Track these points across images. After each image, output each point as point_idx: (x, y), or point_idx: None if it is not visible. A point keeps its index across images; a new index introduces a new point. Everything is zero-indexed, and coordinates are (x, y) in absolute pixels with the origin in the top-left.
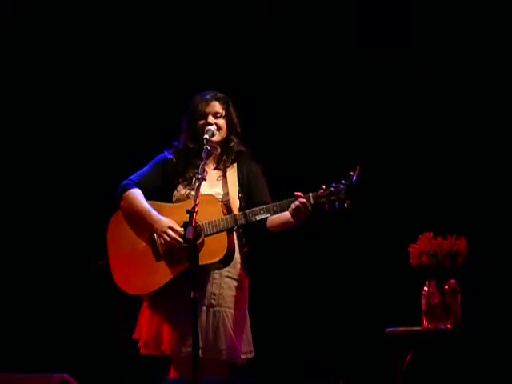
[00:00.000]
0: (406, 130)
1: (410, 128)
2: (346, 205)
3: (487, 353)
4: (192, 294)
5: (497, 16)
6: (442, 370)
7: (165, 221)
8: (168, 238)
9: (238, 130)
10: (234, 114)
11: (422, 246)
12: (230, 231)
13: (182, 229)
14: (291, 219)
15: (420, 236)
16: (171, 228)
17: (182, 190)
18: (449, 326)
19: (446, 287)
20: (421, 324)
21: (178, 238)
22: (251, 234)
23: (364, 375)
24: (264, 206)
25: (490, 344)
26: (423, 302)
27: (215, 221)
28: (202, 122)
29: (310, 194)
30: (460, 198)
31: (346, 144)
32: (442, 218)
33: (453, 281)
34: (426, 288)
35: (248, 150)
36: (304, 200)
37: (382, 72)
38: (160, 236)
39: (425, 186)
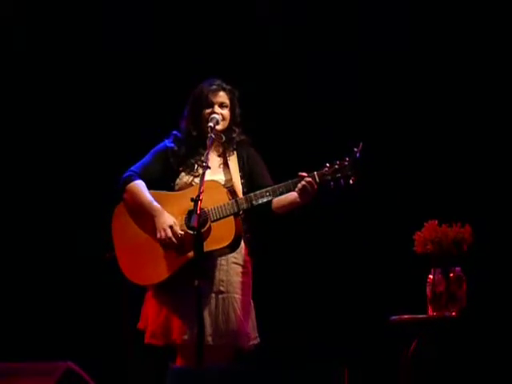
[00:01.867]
0: (411, 115)
1: (415, 113)
2: (351, 181)
3: (492, 340)
4: (196, 283)
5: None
6: (447, 357)
7: (166, 216)
8: (163, 236)
9: (240, 121)
10: (237, 106)
11: (427, 234)
12: (236, 216)
13: (182, 232)
14: (298, 199)
15: (425, 223)
16: (170, 227)
17: (184, 178)
18: (454, 313)
19: (451, 275)
20: (426, 312)
21: (173, 239)
22: (254, 219)
23: (368, 363)
24: (269, 188)
25: (495, 332)
26: (428, 289)
27: (221, 206)
28: (208, 110)
29: (315, 173)
30: (465, 186)
31: (348, 121)
32: (447, 205)
33: (458, 268)
34: (430, 276)
35: (249, 138)
36: (310, 179)
37: (384, 65)
38: (159, 231)
39: (430, 172)
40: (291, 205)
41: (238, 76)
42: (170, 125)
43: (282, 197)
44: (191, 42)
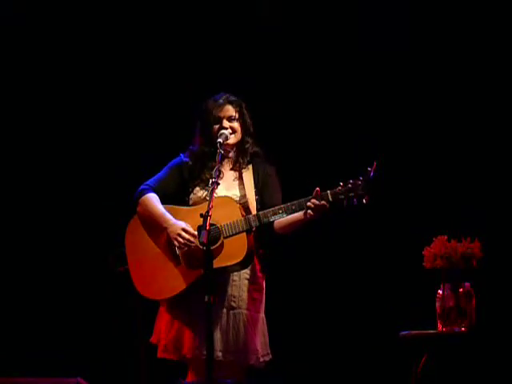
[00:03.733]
0: (421, 131)
1: (425, 128)
2: (364, 201)
3: (502, 357)
4: (206, 298)
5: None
6: (457, 373)
7: (178, 223)
8: (182, 241)
9: (252, 131)
10: (247, 116)
11: (437, 249)
12: (248, 232)
13: (195, 231)
14: (301, 217)
15: (434, 239)
16: (184, 230)
17: (198, 193)
18: (463, 329)
19: (461, 290)
20: (435, 327)
21: (191, 239)
22: (266, 236)
23: (378, 379)
24: (282, 206)
25: (504, 348)
26: (437, 305)
27: (234, 222)
28: (216, 126)
29: (328, 191)
30: (475, 201)
31: (361, 141)
32: (457, 220)
33: (467, 284)
34: (440, 291)
35: (263, 150)
36: (323, 201)
37: (391, 69)
38: (174, 239)
39: (439, 188)
40: (294, 224)
41: (252, 88)
42: (187, 135)
43: (284, 217)
44: (195, 46)
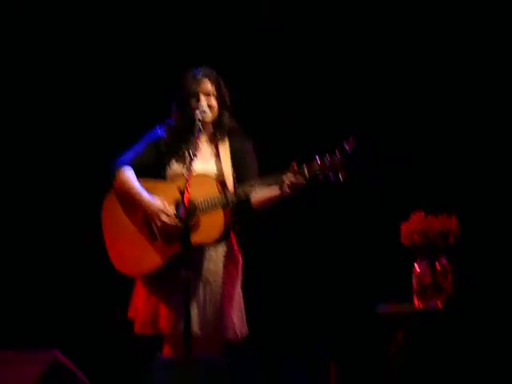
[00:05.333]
0: (399, 105)
1: (402, 102)
2: (340, 176)
3: (478, 332)
4: (183, 273)
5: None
6: (433, 349)
7: (156, 204)
8: (159, 223)
9: (229, 105)
10: (224, 91)
11: (414, 225)
12: (225, 208)
13: (173, 209)
14: (277, 192)
15: (411, 214)
16: (162, 211)
17: (174, 167)
18: (439, 304)
19: (438, 266)
20: (412, 303)
21: (168, 221)
22: (243, 211)
23: (354, 355)
24: (256, 181)
25: (480, 323)
26: (414, 281)
27: (210, 198)
28: (193, 100)
29: (305, 166)
30: (452, 177)
31: (338, 116)
32: (434, 196)
33: (444, 260)
34: (417, 267)
35: (239, 125)
36: (300, 176)
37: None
38: (152, 220)
39: (416, 163)
40: (271, 199)
41: (231, 65)
42: (164, 107)
43: (261, 193)
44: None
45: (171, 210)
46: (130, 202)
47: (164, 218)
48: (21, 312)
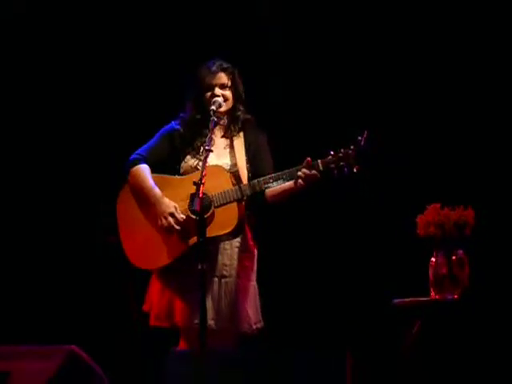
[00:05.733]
0: (414, 98)
1: (418, 96)
2: (355, 170)
3: (494, 323)
4: (200, 266)
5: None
6: (449, 340)
7: (167, 204)
8: (165, 224)
9: (244, 98)
10: (239, 84)
11: (430, 217)
12: (239, 201)
13: (183, 216)
14: (292, 186)
15: (427, 206)
16: (172, 214)
17: (189, 161)
18: (456, 296)
19: (454, 258)
20: (428, 295)
21: (175, 226)
22: (257, 204)
23: (371, 346)
24: (273, 174)
25: (497, 314)
26: (431, 272)
27: (224, 191)
28: (208, 93)
29: (319, 161)
30: (468, 168)
31: (352, 109)
32: (450, 188)
33: (460, 251)
34: (433, 259)
35: (254, 118)
36: (314, 170)
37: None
38: (159, 219)
39: (432, 155)
40: (285, 193)
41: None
42: (179, 102)
43: (276, 186)
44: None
45: (181, 211)
46: (144, 198)
47: (171, 220)
48: (36, 308)
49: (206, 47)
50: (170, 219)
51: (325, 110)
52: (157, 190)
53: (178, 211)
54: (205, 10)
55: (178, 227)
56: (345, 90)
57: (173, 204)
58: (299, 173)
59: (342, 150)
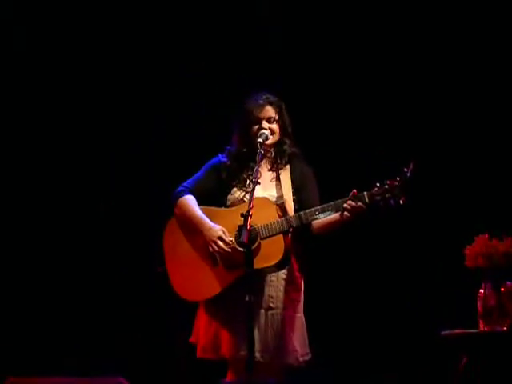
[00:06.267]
0: (461, 127)
1: (465, 124)
2: (401, 201)
3: None
4: (247, 298)
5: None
6: (498, 373)
7: (215, 229)
8: (216, 248)
9: (291, 131)
10: (286, 117)
11: (478, 248)
12: (285, 234)
13: (232, 239)
14: (338, 218)
15: (475, 238)
16: (220, 238)
17: (236, 193)
18: (505, 328)
19: (503, 289)
20: (477, 327)
21: (226, 248)
22: (303, 236)
23: (420, 378)
24: (319, 207)
25: None
26: (479, 304)
27: (271, 224)
28: (256, 126)
29: (365, 193)
30: None
31: (398, 140)
32: (498, 219)
33: (509, 283)
34: (481, 290)
35: (300, 151)
36: (360, 202)
37: (415, 68)
38: (209, 245)
39: (480, 186)
40: (331, 225)
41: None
42: (225, 136)
43: (322, 218)
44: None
45: (229, 237)
46: (191, 227)
47: (221, 244)
48: (87, 338)
49: (211, 52)
50: (220, 243)
51: (369, 141)
52: (205, 218)
53: (227, 234)
54: (205, 10)
55: (228, 249)
56: (391, 117)
57: (221, 228)
58: (345, 205)
59: (388, 182)
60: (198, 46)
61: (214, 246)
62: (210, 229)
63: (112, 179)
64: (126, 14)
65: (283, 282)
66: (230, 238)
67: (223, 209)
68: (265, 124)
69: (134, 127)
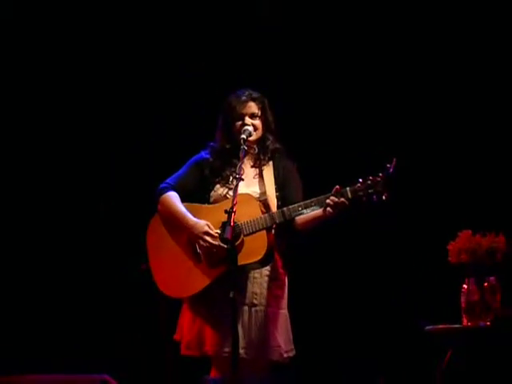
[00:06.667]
0: (444, 124)
1: (448, 121)
2: (384, 197)
3: None
4: (231, 294)
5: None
6: (482, 367)
7: (200, 225)
8: (204, 244)
9: (274, 128)
10: (269, 113)
11: (461, 244)
12: (268, 230)
13: (218, 231)
14: (321, 213)
15: (459, 233)
16: (207, 233)
17: (219, 190)
18: (488, 323)
19: (486, 284)
20: (460, 322)
21: (214, 242)
22: (287, 232)
23: (404, 373)
24: (302, 203)
25: None
26: (462, 299)
27: (254, 220)
28: (239, 123)
29: (348, 188)
30: (499, 195)
31: (380, 136)
32: (481, 215)
33: (492, 278)
34: (465, 285)
35: (283, 147)
36: (343, 197)
37: (402, 66)
38: (196, 241)
39: (463, 182)
40: (314, 220)
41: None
42: (207, 132)
43: (305, 214)
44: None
45: (215, 231)
46: (175, 224)
47: (208, 239)
48: (71, 336)
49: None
50: (207, 238)
51: (352, 137)
52: (188, 215)
53: (212, 227)
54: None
55: (215, 243)
56: (371, 115)
57: (205, 223)
58: (328, 200)
59: (371, 178)
60: (198, 46)
61: (202, 242)
62: (195, 224)
63: (112, 179)
64: (126, 14)
65: (267, 279)
66: (216, 231)
67: (206, 205)
68: (248, 120)
69: (134, 127)
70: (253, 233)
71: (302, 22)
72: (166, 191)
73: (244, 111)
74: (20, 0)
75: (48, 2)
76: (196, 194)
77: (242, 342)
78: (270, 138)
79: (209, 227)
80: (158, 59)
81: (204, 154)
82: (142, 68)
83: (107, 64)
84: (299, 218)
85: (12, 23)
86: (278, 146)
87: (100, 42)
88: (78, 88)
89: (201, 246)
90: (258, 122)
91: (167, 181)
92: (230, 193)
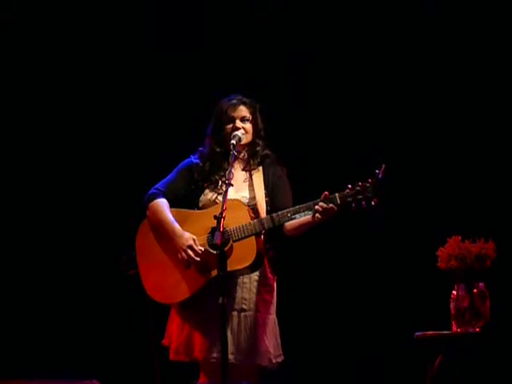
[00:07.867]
0: (433, 130)
1: (437, 127)
2: (373, 203)
3: None
4: (220, 300)
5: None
6: (471, 374)
7: (186, 237)
8: (185, 257)
9: (263, 133)
10: (259, 118)
11: (451, 250)
12: (257, 236)
13: (201, 248)
14: (310, 219)
15: (448, 239)
16: (190, 247)
17: (208, 195)
18: (477, 329)
19: (475, 291)
20: (450, 328)
21: (195, 258)
22: (276, 238)
23: (394, 380)
24: (291, 208)
25: None
26: (452, 305)
27: (243, 226)
28: (229, 126)
29: (337, 194)
30: (488, 201)
31: (370, 142)
32: (470, 221)
33: (481, 284)
34: (454, 292)
35: (273, 153)
36: (332, 204)
37: (393, 69)
38: (179, 253)
39: (453, 189)
40: (303, 226)
41: (262, 92)
42: (196, 137)
43: (294, 219)
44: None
45: (200, 245)
46: (162, 231)
47: (190, 253)
48: (59, 342)
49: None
50: (190, 252)
51: (341, 143)
52: (175, 224)
53: (197, 243)
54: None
55: (197, 259)
56: (361, 119)
57: (191, 236)
58: (317, 206)
59: (360, 183)
60: (191, 50)
61: (184, 255)
62: (181, 236)
63: (100, 184)
64: (125, 13)
65: (256, 284)
66: (199, 248)
67: (195, 211)
68: (238, 123)
69: (124, 131)
70: (242, 239)
71: (295, 26)
72: (156, 198)
73: (235, 114)
74: (20, 0)
75: (48, 2)
76: (186, 199)
77: (230, 348)
78: (260, 142)
79: (194, 241)
80: (146, 66)
81: (193, 158)
82: (142, 68)
83: (106, 64)
84: (288, 224)
85: (12, 23)
86: (267, 151)
87: (98, 41)
88: (76, 88)
89: (182, 258)
90: (248, 126)
91: (157, 186)
92: (220, 198)
